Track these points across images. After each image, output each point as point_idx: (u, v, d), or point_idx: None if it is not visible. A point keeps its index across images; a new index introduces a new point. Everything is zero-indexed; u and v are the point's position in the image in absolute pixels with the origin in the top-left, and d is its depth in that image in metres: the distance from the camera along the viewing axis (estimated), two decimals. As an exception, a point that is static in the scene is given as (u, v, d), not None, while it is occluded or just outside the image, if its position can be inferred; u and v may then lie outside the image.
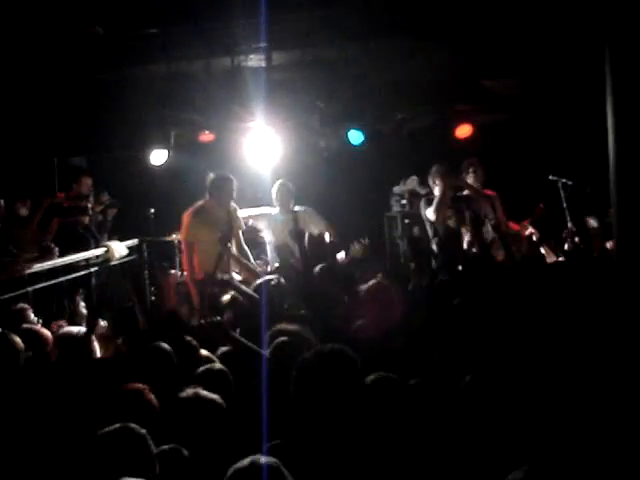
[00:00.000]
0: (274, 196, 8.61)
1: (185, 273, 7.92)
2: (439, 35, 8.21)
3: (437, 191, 8.55)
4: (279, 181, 8.63)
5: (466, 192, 8.73)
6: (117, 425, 3.01)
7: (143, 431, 3.00)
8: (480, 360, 3.82)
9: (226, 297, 5.71)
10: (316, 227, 8.27)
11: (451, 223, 8.42)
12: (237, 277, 8.28)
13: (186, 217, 7.71)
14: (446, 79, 9.20)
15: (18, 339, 4.50)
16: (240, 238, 7.90)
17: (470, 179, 8.76)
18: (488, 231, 7.88)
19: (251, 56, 8.41)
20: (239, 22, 7.94)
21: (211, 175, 7.86)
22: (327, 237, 8.25)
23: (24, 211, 7.84)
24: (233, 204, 7.90)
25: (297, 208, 8.55)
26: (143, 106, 8.61)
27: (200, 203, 7.78)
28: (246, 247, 7.99)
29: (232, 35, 8.10)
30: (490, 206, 8.69)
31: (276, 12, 7.60)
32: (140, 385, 3.59)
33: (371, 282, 5.53)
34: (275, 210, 8.63)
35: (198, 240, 7.59)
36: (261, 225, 8.72)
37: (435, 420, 3.36)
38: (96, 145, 9.06)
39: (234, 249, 7.72)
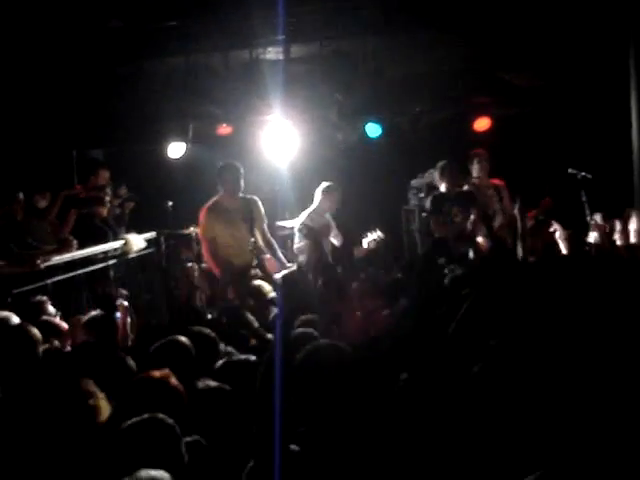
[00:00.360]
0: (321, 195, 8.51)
1: (205, 265, 7.95)
2: (457, 28, 8.17)
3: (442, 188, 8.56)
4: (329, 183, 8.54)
5: (467, 187, 8.78)
6: (145, 415, 3.01)
7: (171, 421, 3.00)
8: (489, 354, 3.80)
9: None
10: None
11: (457, 220, 8.43)
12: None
13: (202, 214, 7.74)
14: (464, 72, 9.17)
15: (36, 330, 4.51)
16: (264, 229, 7.82)
17: (475, 170, 8.83)
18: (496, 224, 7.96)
19: (269, 49, 8.41)
20: (257, 15, 7.93)
21: (219, 165, 7.88)
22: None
23: (43, 203, 7.86)
24: (253, 197, 7.88)
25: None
26: (161, 99, 8.63)
27: (214, 198, 7.78)
28: (271, 238, 7.93)
29: (250, 28, 8.09)
30: (497, 196, 8.75)
31: (294, 4, 7.60)
32: (164, 372, 3.59)
33: (355, 285, 5.55)
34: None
35: (217, 235, 7.60)
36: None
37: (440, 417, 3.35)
38: (114, 138, 9.09)
39: (259, 241, 7.71)
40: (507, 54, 8.78)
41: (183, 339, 4.34)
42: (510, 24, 8.00)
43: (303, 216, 8.42)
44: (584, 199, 8.74)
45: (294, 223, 8.98)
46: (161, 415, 3.01)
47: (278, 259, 7.68)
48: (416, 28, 8.25)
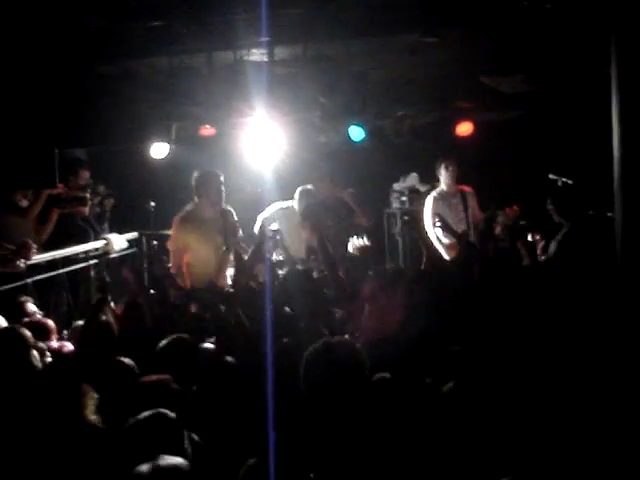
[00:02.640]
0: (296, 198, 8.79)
1: None
2: (441, 32, 8.19)
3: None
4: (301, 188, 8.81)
5: (434, 193, 8.94)
6: (149, 412, 3.00)
7: (173, 415, 3.00)
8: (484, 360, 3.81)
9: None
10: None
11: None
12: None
13: (174, 223, 7.56)
14: (447, 76, 9.21)
15: (27, 332, 4.47)
16: (237, 243, 7.61)
17: (443, 176, 8.97)
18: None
19: (253, 50, 8.39)
20: (241, 16, 7.91)
21: (195, 173, 7.70)
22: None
23: (24, 202, 7.82)
24: (229, 207, 7.80)
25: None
26: (144, 99, 8.59)
27: (188, 207, 7.63)
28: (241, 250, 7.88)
29: (234, 29, 8.06)
30: (463, 203, 8.86)
31: (278, 6, 7.58)
32: (163, 376, 3.59)
33: (367, 285, 5.52)
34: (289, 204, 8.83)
35: (189, 248, 7.39)
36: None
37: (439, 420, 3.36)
38: (96, 137, 9.03)
39: (231, 256, 7.45)
40: (490, 59, 8.82)
41: (187, 337, 4.37)
42: (494, 29, 8.02)
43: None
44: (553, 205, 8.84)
45: (275, 226, 8.96)
46: (164, 410, 3.02)
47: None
48: (400, 32, 8.26)
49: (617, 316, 4.27)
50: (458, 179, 9.11)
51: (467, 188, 9.16)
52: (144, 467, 2.56)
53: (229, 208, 7.87)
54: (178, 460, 2.63)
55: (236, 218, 7.90)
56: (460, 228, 8.75)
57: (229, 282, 7.25)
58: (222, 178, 7.74)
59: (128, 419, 3.02)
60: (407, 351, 4.00)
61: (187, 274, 7.33)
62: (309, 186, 8.89)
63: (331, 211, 8.60)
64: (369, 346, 4.18)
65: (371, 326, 4.75)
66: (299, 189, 8.91)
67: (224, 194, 7.68)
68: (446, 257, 8.55)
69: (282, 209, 8.84)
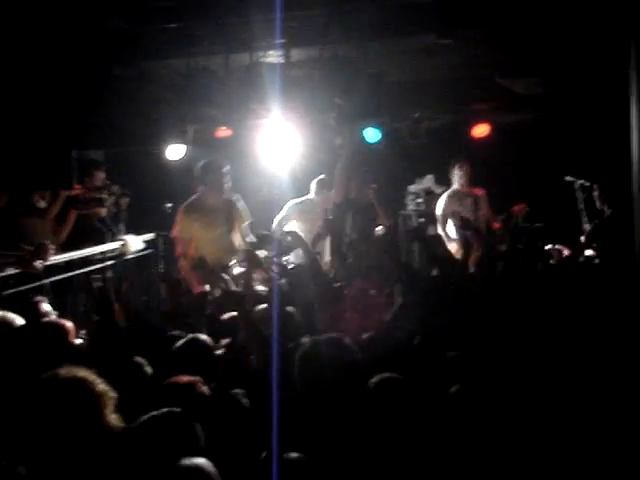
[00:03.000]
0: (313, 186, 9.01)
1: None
2: (457, 34, 8.18)
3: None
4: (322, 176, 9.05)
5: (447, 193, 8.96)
6: (163, 410, 3.02)
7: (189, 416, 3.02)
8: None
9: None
10: None
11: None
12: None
13: (179, 212, 7.66)
14: (464, 78, 9.20)
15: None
16: (242, 231, 7.77)
17: (456, 176, 8.97)
18: None
19: (269, 52, 8.40)
20: (258, 18, 7.92)
21: (199, 163, 7.80)
22: None
23: (42, 204, 7.86)
24: (236, 195, 7.91)
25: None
26: (161, 101, 8.63)
27: (194, 196, 7.72)
28: (252, 239, 8.01)
29: (250, 31, 8.08)
30: (474, 205, 8.87)
31: (294, 8, 7.60)
32: (191, 377, 3.60)
33: (353, 287, 5.54)
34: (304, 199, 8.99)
35: (194, 236, 7.46)
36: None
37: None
38: (114, 139, 9.08)
39: (236, 243, 7.65)
40: (507, 61, 8.81)
41: (204, 337, 4.38)
42: (511, 31, 8.01)
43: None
44: (581, 206, 8.79)
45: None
46: (178, 409, 3.03)
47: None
48: (416, 33, 8.26)
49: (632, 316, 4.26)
50: (472, 180, 9.09)
51: (479, 191, 9.14)
52: (164, 470, 2.57)
53: (235, 196, 7.92)
54: (202, 461, 2.64)
55: (243, 206, 7.96)
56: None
57: (235, 269, 7.36)
58: (226, 167, 7.73)
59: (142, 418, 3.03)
60: (395, 352, 4.01)
61: (187, 270, 7.36)
62: (323, 176, 8.95)
63: (362, 210, 8.65)
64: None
65: (356, 326, 4.75)
66: (315, 180, 8.96)
67: (228, 183, 7.69)
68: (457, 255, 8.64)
69: (297, 204, 8.88)
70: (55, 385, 2.96)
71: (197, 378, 3.60)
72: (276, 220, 8.93)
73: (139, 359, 4.20)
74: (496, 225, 8.59)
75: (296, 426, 3.25)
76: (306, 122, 9.31)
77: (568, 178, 8.90)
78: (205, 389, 3.55)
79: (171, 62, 8.54)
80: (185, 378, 3.62)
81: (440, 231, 9.02)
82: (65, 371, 3.01)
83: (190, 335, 4.51)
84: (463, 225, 7.36)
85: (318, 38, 8.22)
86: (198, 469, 2.60)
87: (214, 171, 7.64)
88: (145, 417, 3.01)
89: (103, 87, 8.58)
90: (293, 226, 8.76)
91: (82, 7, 7.54)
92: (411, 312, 4.72)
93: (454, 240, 8.83)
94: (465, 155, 9.22)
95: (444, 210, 9.08)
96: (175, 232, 7.72)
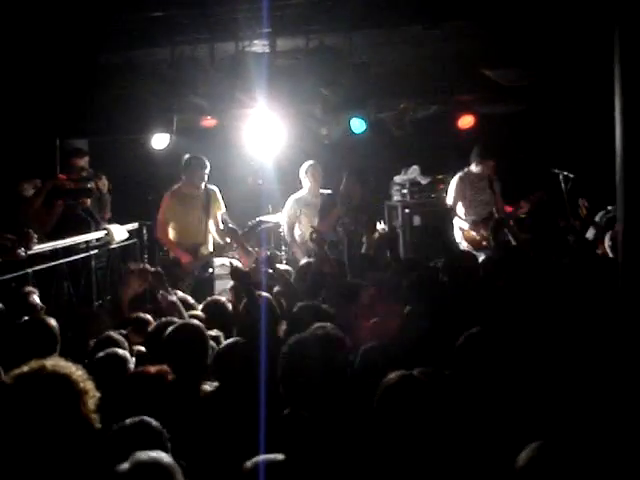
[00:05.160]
0: (303, 175, 8.80)
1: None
2: (444, 24, 8.18)
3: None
4: (310, 162, 8.86)
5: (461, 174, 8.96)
6: (133, 419, 3.00)
7: (157, 424, 3.00)
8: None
9: None
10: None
11: None
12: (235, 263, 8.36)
13: (164, 198, 8.32)
14: (449, 69, 9.19)
15: (54, 322, 4.48)
16: (219, 220, 8.33)
17: (477, 163, 8.90)
18: None
19: (255, 42, 8.37)
20: (243, 7, 7.90)
21: (185, 156, 8.35)
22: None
23: (31, 191, 7.80)
24: (212, 187, 8.35)
25: (323, 191, 8.82)
26: (146, 90, 8.58)
27: (177, 185, 8.32)
28: (226, 227, 8.34)
29: (236, 20, 8.05)
30: (490, 187, 8.89)
31: (280, -3, 7.59)
32: (162, 367, 3.58)
33: (367, 292, 5.52)
34: (302, 193, 8.81)
35: (174, 220, 8.19)
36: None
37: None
38: (98, 128, 9.04)
39: (212, 231, 8.28)
40: (492, 52, 8.81)
41: (197, 323, 4.38)
42: (496, 22, 8.02)
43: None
44: (565, 198, 8.83)
45: (277, 218, 9.01)
46: (147, 419, 3.00)
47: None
48: (402, 24, 8.25)
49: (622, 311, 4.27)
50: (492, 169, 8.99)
51: (492, 174, 9.07)
52: (124, 466, 2.53)
53: (214, 188, 8.39)
54: (158, 453, 2.57)
55: (219, 196, 8.41)
56: (485, 210, 8.83)
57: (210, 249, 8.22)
58: (206, 164, 8.21)
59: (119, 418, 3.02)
60: (408, 354, 3.97)
61: (172, 243, 8.21)
62: (311, 162, 8.87)
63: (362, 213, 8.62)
64: (371, 350, 4.18)
65: (371, 332, 4.73)
66: (305, 167, 8.85)
67: (206, 178, 8.24)
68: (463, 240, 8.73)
69: (297, 200, 8.81)
70: (38, 378, 2.91)
71: (165, 368, 3.59)
72: (283, 221, 8.87)
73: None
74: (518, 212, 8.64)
75: (280, 425, 3.25)
76: (291, 112, 9.29)
77: (554, 170, 8.93)
78: (172, 377, 3.53)
79: (156, 51, 8.49)
80: (154, 368, 3.60)
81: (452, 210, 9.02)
82: (51, 364, 2.97)
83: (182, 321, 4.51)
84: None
85: (303, 28, 8.20)
86: (155, 463, 2.56)
87: (194, 168, 8.20)
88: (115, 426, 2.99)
89: (87, 76, 8.54)
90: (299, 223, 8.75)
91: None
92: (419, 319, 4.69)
93: (463, 223, 8.88)
94: (488, 147, 9.12)
95: (456, 192, 9.02)
96: (159, 215, 8.32)
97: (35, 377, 2.91)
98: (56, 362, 3.00)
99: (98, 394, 2.98)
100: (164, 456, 2.58)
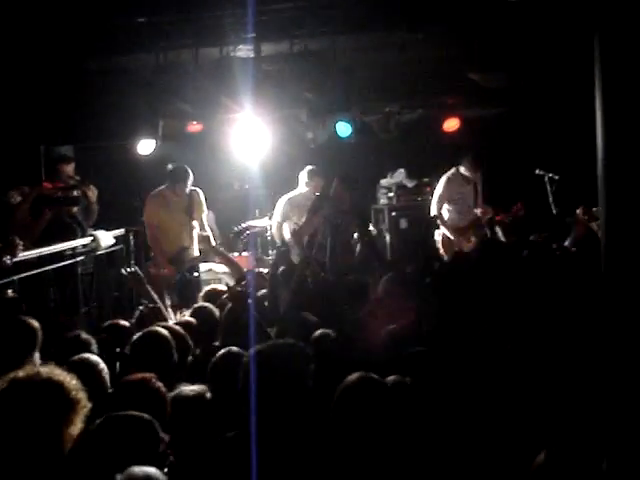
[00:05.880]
0: (308, 179, 8.81)
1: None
2: (428, 28, 8.21)
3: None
4: (312, 167, 8.89)
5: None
6: (122, 413, 3.00)
7: (149, 417, 3.00)
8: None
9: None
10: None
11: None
12: (219, 268, 8.37)
13: (147, 200, 8.45)
14: (434, 72, 9.22)
15: (34, 321, 4.47)
16: (203, 222, 8.40)
17: (467, 167, 8.95)
18: None
19: (240, 46, 8.38)
20: (228, 12, 7.91)
21: (169, 166, 8.48)
22: None
23: (17, 199, 7.76)
24: (196, 189, 8.39)
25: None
26: (131, 95, 8.58)
27: (160, 188, 8.39)
28: (209, 230, 8.44)
29: (221, 25, 8.06)
30: (474, 192, 8.93)
31: (265, 2, 7.59)
32: (145, 374, 3.57)
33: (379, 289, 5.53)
34: (294, 193, 8.82)
35: (158, 224, 8.30)
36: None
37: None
38: (83, 134, 9.03)
39: (196, 232, 8.33)
40: (477, 55, 8.84)
41: (163, 331, 4.36)
42: (481, 26, 8.05)
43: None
44: (550, 199, 8.87)
45: (264, 222, 9.01)
46: (138, 413, 3.00)
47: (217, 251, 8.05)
48: (386, 28, 8.28)
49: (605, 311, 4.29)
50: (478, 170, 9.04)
51: (477, 177, 9.13)
52: (118, 477, 2.53)
53: (197, 190, 8.42)
54: (153, 470, 2.59)
55: (203, 199, 8.43)
56: (470, 214, 8.88)
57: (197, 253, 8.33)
58: (189, 174, 8.24)
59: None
60: (422, 351, 3.96)
61: (158, 246, 8.29)
62: (311, 167, 8.86)
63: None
64: (382, 346, 4.17)
65: (382, 328, 4.72)
66: (305, 171, 8.83)
67: (189, 187, 8.27)
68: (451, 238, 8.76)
69: (290, 199, 8.78)
70: (32, 384, 2.90)
71: (151, 374, 3.58)
72: (274, 221, 8.85)
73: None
74: (498, 217, 8.68)
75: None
76: (277, 117, 9.30)
77: (538, 172, 8.97)
78: (159, 385, 3.52)
79: (140, 56, 8.48)
80: (139, 375, 3.59)
81: (435, 213, 9.04)
82: (46, 371, 2.97)
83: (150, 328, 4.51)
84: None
85: (288, 33, 8.22)
86: (148, 477, 2.56)
87: (177, 178, 8.25)
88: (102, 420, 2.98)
89: (73, 82, 8.52)
90: (289, 223, 8.73)
91: (51, 2, 7.48)
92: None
93: (447, 223, 8.91)
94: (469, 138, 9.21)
95: (442, 193, 9.06)
96: (145, 218, 8.44)
97: (29, 383, 2.90)
98: (51, 370, 2.99)
99: (90, 405, 2.97)
100: (157, 473, 2.59)
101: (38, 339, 4.39)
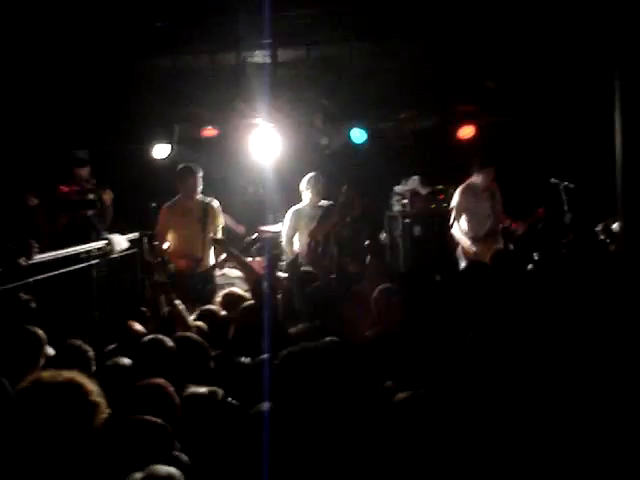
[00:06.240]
0: (305, 187, 8.69)
1: None
2: (444, 35, 8.21)
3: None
4: (312, 174, 8.72)
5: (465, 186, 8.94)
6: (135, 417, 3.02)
7: (161, 421, 3.02)
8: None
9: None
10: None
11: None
12: (232, 273, 8.38)
13: (161, 211, 8.39)
14: (450, 79, 9.21)
15: (40, 331, 4.48)
16: (216, 231, 8.25)
17: (479, 174, 8.88)
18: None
19: (256, 52, 8.41)
20: (244, 18, 7.94)
21: (177, 169, 8.31)
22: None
23: (35, 202, 7.81)
24: (211, 200, 8.30)
25: (324, 202, 8.68)
26: (147, 100, 8.61)
27: (175, 198, 8.33)
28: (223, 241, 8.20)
29: (237, 31, 8.09)
30: (491, 199, 8.88)
31: (281, 9, 7.61)
32: (160, 380, 3.59)
33: (375, 290, 5.52)
34: (302, 204, 8.73)
35: (171, 233, 8.19)
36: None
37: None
38: (99, 138, 9.07)
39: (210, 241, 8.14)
40: (492, 63, 8.84)
41: (167, 340, 4.36)
42: (497, 33, 8.05)
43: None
44: (566, 208, 8.85)
45: (278, 227, 9.01)
46: (152, 417, 3.02)
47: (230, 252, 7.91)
48: (402, 35, 8.29)
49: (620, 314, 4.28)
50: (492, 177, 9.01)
51: (494, 184, 9.07)
52: (137, 475, 2.57)
53: (213, 202, 8.34)
54: (173, 470, 2.63)
55: (218, 208, 8.34)
56: (488, 223, 8.83)
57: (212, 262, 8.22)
58: (197, 172, 8.14)
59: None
60: (409, 352, 3.98)
61: (170, 254, 8.07)
62: (313, 174, 8.82)
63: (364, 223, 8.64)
64: (370, 346, 4.18)
65: (368, 326, 4.74)
66: (306, 180, 8.79)
67: (199, 187, 8.17)
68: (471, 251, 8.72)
69: (296, 211, 8.76)
70: (55, 386, 2.95)
71: (162, 380, 3.60)
72: (284, 234, 8.84)
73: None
74: (514, 225, 8.66)
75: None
76: (292, 122, 9.31)
77: (553, 180, 8.95)
78: (172, 390, 3.54)
79: (158, 61, 8.53)
80: (153, 380, 3.61)
81: (454, 224, 9.00)
82: (68, 375, 3.01)
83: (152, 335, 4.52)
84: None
85: (305, 38, 8.24)
86: (170, 476, 2.58)
87: (187, 177, 8.16)
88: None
89: (89, 86, 8.56)
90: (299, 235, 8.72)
91: (66, 6, 7.52)
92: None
93: (466, 234, 8.87)
94: (488, 156, 9.16)
95: (459, 204, 9.02)
96: (157, 229, 8.34)
97: (51, 384, 2.96)
98: (73, 374, 3.04)
99: (109, 410, 3.03)
100: (178, 473, 2.62)
101: (44, 349, 4.40)
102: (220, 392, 3.81)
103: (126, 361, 4.27)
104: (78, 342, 4.62)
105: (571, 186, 8.78)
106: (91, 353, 4.51)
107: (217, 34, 8.18)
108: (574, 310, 4.76)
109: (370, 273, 7.27)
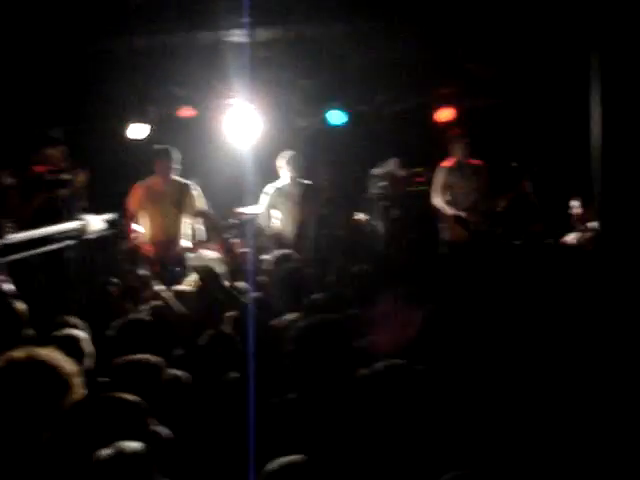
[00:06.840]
0: (285, 165, 8.63)
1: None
2: (424, 17, 8.16)
3: None
4: (291, 152, 8.69)
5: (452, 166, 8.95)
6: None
7: (136, 399, 2.99)
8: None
9: None
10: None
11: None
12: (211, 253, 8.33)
13: (133, 189, 8.28)
14: (429, 62, 9.18)
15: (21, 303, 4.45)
16: (193, 216, 8.24)
17: (457, 149, 8.95)
18: None
19: (234, 31, 8.32)
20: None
21: (153, 149, 8.31)
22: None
23: (8, 181, 7.70)
24: (187, 182, 8.26)
25: (301, 181, 8.67)
26: (122, 79, 8.52)
27: (149, 178, 8.27)
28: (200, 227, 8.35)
29: (215, 9, 8.00)
30: (476, 176, 8.93)
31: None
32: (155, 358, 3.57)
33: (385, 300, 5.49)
34: (281, 182, 8.67)
35: (144, 214, 8.15)
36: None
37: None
38: (74, 117, 8.97)
39: (185, 226, 8.17)
40: (472, 46, 8.81)
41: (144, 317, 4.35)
42: (476, 15, 8.01)
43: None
44: (530, 190, 8.95)
45: (255, 209, 8.96)
46: (124, 394, 3.00)
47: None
48: (381, 16, 8.23)
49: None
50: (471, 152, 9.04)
51: (478, 161, 9.14)
52: (104, 451, 2.55)
53: (189, 184, 8.28)
54: (138, 446, 2.60)
55: (195, 192, 8.29)
56: (470, 200, 8.83)
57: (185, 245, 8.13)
58: (172, 153, 8.12)
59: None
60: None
61: (142, 239, 8.17)
62: (291, 153, 8.76)
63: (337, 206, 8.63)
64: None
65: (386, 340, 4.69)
66: (285, 158, 8.72)
67: (172, 168, 8.12)
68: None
69: (278, 188, 8.72)
70: (30, 365, 2.94)
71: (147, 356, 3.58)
72: (260, 209, 8.78)
73: None
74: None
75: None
76: (270, 103, 9.25)
77: (514, 164, 9.07)
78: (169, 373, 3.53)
79: (133, 40, 8.41)
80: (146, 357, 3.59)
81: (437, 203, 9.02)
82: (45, 353, 2.99)
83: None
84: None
85: (283, 18, 8.16)
86: (135, 452, 2.56)
87: (161, 158, 8.13)
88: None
89: (63, 64, 8.45)
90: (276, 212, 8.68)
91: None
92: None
93: (450, 212, 8.89)
94: (464, 127, 9.20)
95: (443, 181, 9.06)
96: (128, 204, 8.28)
97: (25, 364, 2.93)
98: (50, 353, 3.01)
99: (85, 391, 3.00)
100: (144, 449, 2.60)
101: (24, 322, 4.38)
102: None
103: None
104: (72, 320, 4.59)
105: (534, 169, 8.88)
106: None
107: (194, 12, 8.08)
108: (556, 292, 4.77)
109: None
